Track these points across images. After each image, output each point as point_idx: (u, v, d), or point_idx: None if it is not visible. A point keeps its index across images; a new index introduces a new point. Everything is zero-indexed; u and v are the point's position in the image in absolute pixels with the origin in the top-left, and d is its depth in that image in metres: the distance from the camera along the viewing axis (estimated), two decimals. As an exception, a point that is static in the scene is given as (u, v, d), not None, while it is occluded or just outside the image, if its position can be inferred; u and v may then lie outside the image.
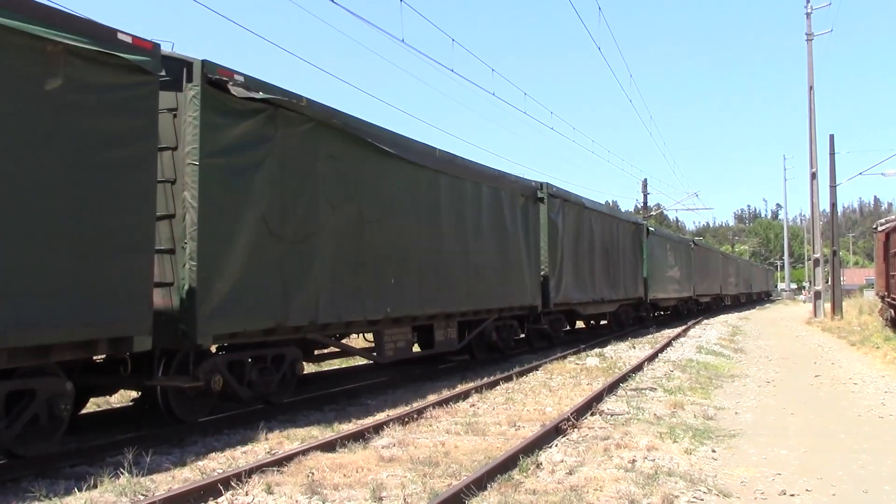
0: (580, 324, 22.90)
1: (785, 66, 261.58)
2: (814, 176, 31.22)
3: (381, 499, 5.18)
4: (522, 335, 16.79)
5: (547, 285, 15.94)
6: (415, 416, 8.23)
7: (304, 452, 6.31)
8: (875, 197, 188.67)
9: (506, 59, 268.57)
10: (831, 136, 31.01)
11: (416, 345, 12.15)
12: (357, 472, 5.86)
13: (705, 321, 30.07)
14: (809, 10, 31.53)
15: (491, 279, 13.43)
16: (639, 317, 25.76)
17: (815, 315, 31.21)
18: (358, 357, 14.59)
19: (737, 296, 53.07)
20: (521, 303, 14.84)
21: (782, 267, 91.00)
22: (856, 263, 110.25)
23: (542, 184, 16.12)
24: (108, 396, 9.03)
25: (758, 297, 71.80)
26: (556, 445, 6.82)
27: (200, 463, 6.45)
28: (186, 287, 7.21)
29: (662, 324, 27.87)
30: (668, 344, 17.88)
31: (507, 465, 5.85)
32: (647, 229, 26.02)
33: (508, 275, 14.20)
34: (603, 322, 24.01)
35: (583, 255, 18.48)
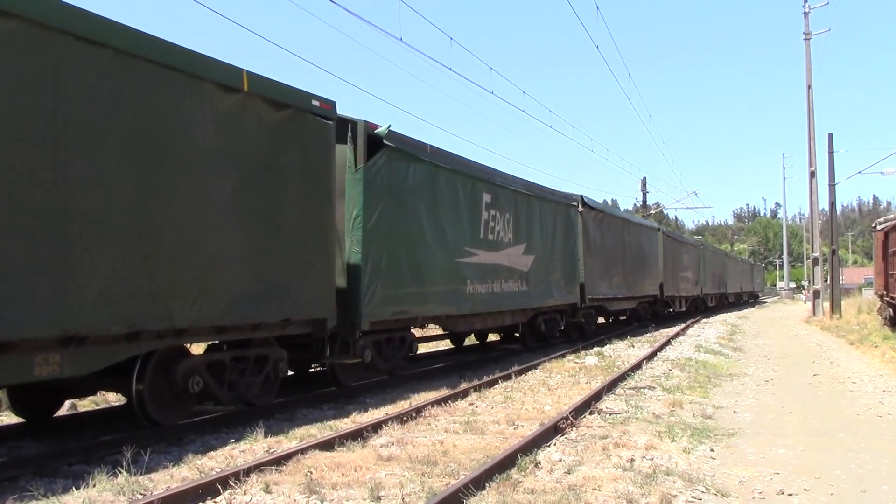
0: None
1: (784, 66, 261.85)
2: (813, 175, 31.23)
3: (379, 498, 5.18)
4: None
5: None
6: (413, 414, 8.23)
7: (303, 451, 6.31)
8: (874, 196, 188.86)
9: (504, 58, 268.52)
10: (830, 135, 31.02)
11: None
12: (355, 471, 5.85)
13: (704, 320, 30.07)
14: (807, 10, 31.51)
15: None
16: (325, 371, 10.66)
17: (814, 314, 31.24)
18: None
19: (700, 298, 37.26)
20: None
21: (782, 266, 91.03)
22: (855, 262, 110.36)
23: None
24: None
25: (737, 300, 54.66)
26: (555, 444, 6.82)
27: (199, 462, 6.44)
28: None
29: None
30: (668, 342, 17.88)
31: (506, 464, 5.85)
32: (383, 144, 10.26)
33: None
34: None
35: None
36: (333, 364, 10.23)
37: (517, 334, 17.52)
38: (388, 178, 10.47)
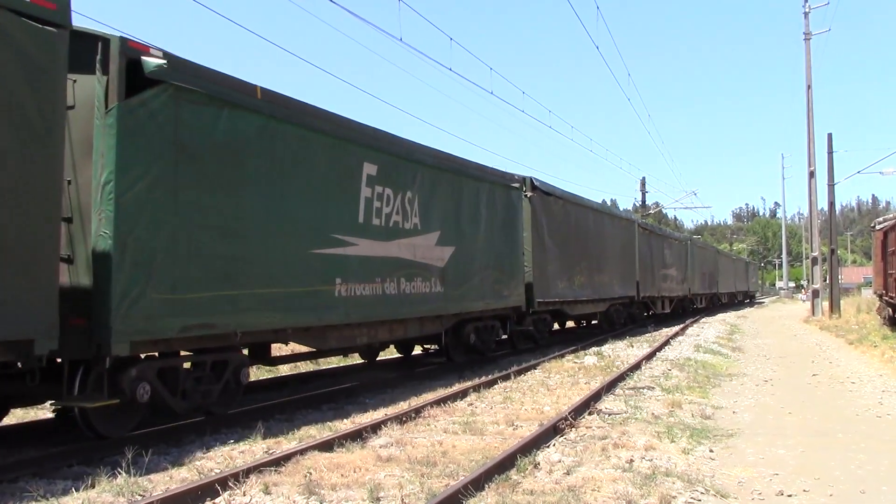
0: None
1: (783, 66, 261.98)
2: (812, 174, 31.25)
3: (378, 499, 5.18)
4: None
5: None
6: (413, 415, 8.23)
7: (302, 452, 6.31)
8: (873, 195, 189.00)
9: (504, 58, 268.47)
10: (829, 135, 31.09)
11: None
12: (355, 471, 5.86)
13: (703, 320, 30.06)
14: (807, 10, 31.52)
15: None
16: None
17: (813, 313, 31.26)
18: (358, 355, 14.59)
19: (687, 298, 33.89)
20: None
21: (781, 265, 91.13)
22: (854, 262, 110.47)
23: None
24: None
25: (731, 301, 50.83)
26: (554, 445, 6.82)
27: (198, 462, 6.45)
28: None
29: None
30: (667, 342, 17.88)
31: (505, 465, 5.85)
32: (164, 77, 6.86)
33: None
34: None
35: None
36: (84, 409, 6.69)
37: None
38: (175, 129, 7.07)
